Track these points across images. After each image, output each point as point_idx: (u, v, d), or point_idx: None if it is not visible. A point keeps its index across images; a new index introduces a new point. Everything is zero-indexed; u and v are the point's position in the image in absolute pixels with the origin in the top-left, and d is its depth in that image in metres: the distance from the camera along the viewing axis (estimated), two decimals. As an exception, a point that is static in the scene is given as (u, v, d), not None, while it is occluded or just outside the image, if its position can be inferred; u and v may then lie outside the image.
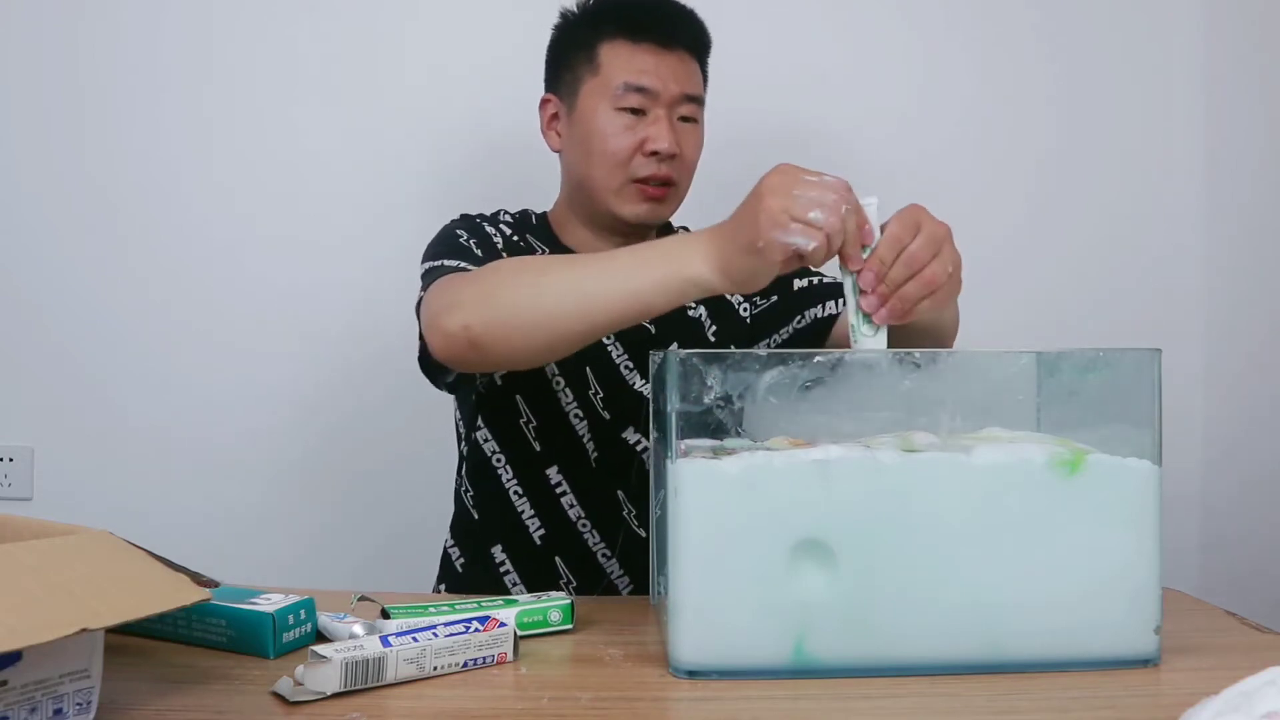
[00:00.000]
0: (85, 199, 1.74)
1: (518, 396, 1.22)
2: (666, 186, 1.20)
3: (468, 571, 1.26)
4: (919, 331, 0.96)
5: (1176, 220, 1.78)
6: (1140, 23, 1.78)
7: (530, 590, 1.14)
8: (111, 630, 0.63)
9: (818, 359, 0.79)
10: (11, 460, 1.75)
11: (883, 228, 0.85)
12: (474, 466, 1.27)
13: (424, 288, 1.10)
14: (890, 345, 0.85)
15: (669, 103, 1.19)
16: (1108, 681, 0.76)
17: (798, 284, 1.26)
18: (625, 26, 1.19)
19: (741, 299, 1.30)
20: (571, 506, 1.22)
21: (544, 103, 1.27)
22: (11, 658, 0.59)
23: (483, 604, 0.87)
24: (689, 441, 0.77)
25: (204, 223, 1.74)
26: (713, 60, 1.26)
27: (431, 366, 1.13)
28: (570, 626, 0.88)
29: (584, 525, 1.22)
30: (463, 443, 1.30)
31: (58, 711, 0.62)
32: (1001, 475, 0.77)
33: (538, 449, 1.22)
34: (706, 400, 0.76)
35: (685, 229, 1.35)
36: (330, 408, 1.75)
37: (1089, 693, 0.74)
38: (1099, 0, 1.78)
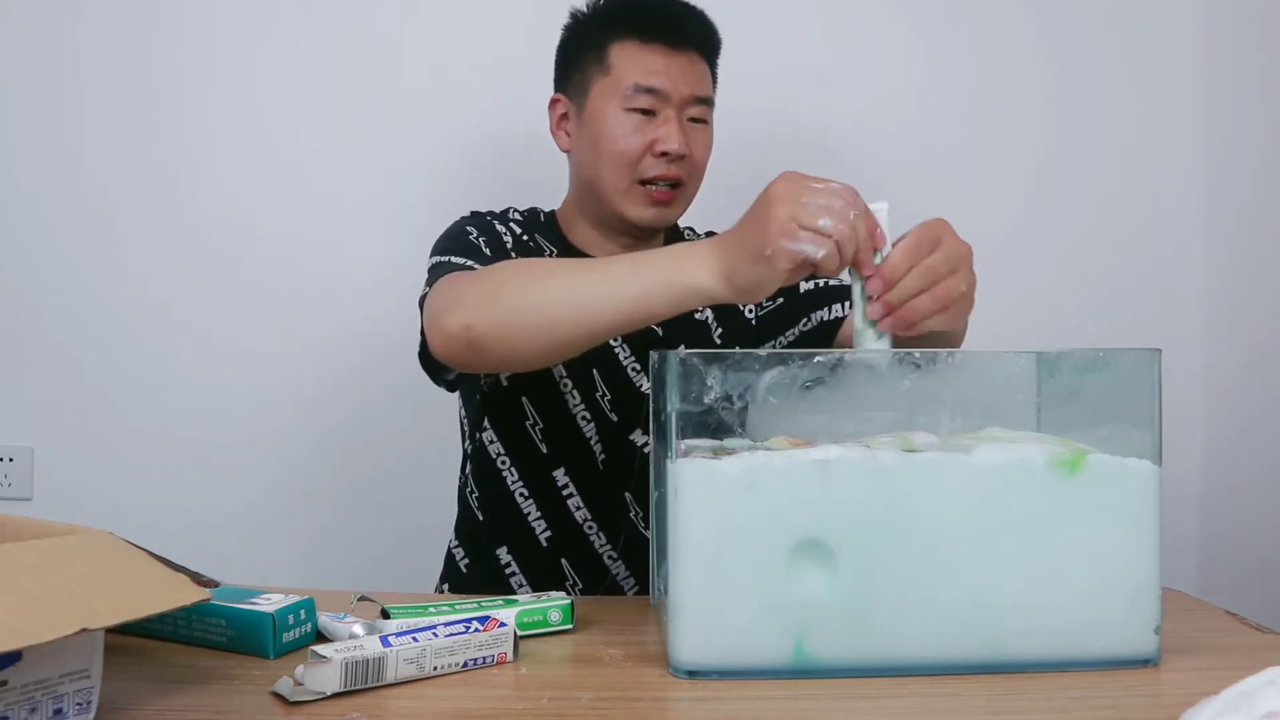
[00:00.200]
0: (85, 199, 1.74)
1: (524, 398, 1.22)
2: (675, 189, 1.20)
3: (472, 572, 1.26)
4: (925, 342, 0.96)
5: (1176, 220, 1.79)
6: (1140, 23, 1.78)
7: (536, 591, 1.14)
8: (111, 630, 0.63)
9: (818, 359, 0.78)
10: (11, 460, 1.75)
11: (901, 237, 0.84)
12: (479, 467, 1.26)
13: (429, 282, 1.09)
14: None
15: (679, 104, 1.19)
16: (1108, 681, 0.76)
17: (804, 286, 1.26)
18: (636, 27, 1.19)
19: None
20: (578, 508, 1.22)
21: (553, 103, 1.27)
22: (11, 658, 0.59)
23: (483, 604, 0.87)
24: (689, 441, 0.77)
25: (204, 223, 1.74)
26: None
27: (432, 363, 1.12)
28: (570, 626, 0.88)
29: (590, 527, 1.22)
30: (466, 440, 1.30)
31: (58, 711, 0.62)
32: (1001, 475, 0.77)
33: (544, 451, 1.22)
34: (707, 400, 0.76)
35: (691, 230, 1.35)
36: (331, 408, 1.75)
37: (1089, 693, 0.74)
38: (1099, 0, 1.78)
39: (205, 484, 1.73)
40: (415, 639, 0.75)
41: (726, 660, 0.76)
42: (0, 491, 1.74)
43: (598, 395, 1.21)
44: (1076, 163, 1.78)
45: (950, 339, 1.05)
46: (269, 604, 0.81)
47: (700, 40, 1.22)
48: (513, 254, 1.19)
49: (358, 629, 0.82)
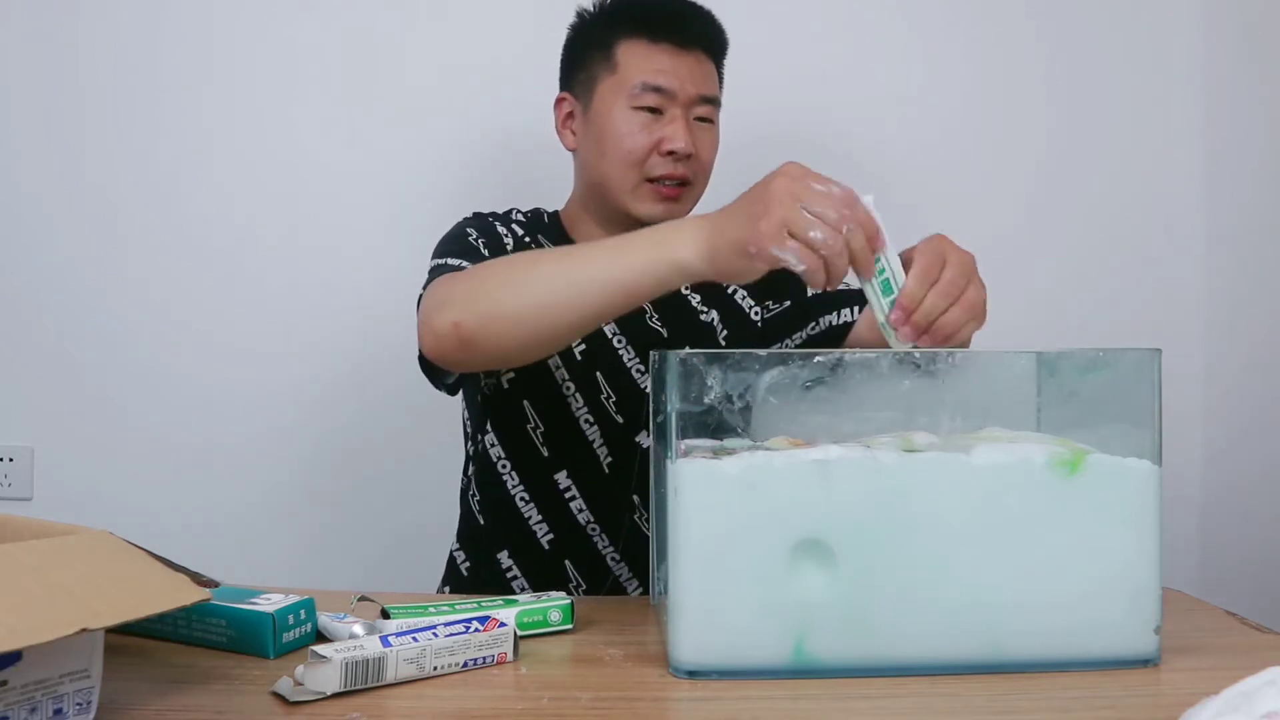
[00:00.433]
0: (85, 199, 1.74)
1: (525, 402, 1.21)
2: (682, 186, 1.20)
3: (473, 576, 1.26)
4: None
5: (1176, 220, 1.78)
6: (1140, 23, 1.78)
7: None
8: (111, 630, 0.63)
9: (818, 359, 0.78)
10: (11, 460, 1.75)
11: (906, 258, 0.85)
12: (481, 471, 1.26)
13: (426, 284, 1.09)
14: None
15: (686, 103, 1.19)
16: (1108, 681, 0.76)
17: (811, 290, 1.26)
18: (643, 26, 1.19)
19: (754, 303, 1.30)
20: (580, 511, 1.21)
21: (559, 101, 1.26)
22: (11, 658, 0.59)
23: (483, 604, 0.87)
24: (689, 441, 0.77)
25: (204, 223, 1.74)
26: (713, 60, 1.26)
27: (432, 367, 1.12)
28: (570, 626, 0.88)
29: (593, 529, 1.21)
30: (469, 444, 1.30)
31: (58, 711, 0.62)
32: (1001, 475, 0.77)
33: (545, 454, 1.21)
34: (707, 400, 0.76)
35: None
36: (331, 409, 1.75)
37: (1089, 693, 0.74)
38: (1099, 0, 1.78)
39: (205, 484, 1.73)
40: (415, 639, 0.75)
41: (726, 660, 0.76)
42: (0, 491, 1.74)
43: (602, 397, 1.21)
44: (1076, 163, 1.78)
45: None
46: (269, 604, 0.81)
47: (708, 40, 1.22)
48: None
49: (358, 629, 0.82)
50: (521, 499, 1.22)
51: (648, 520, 1.20)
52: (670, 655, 0.78)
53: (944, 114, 1.77)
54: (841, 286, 1.24)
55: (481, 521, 1.26)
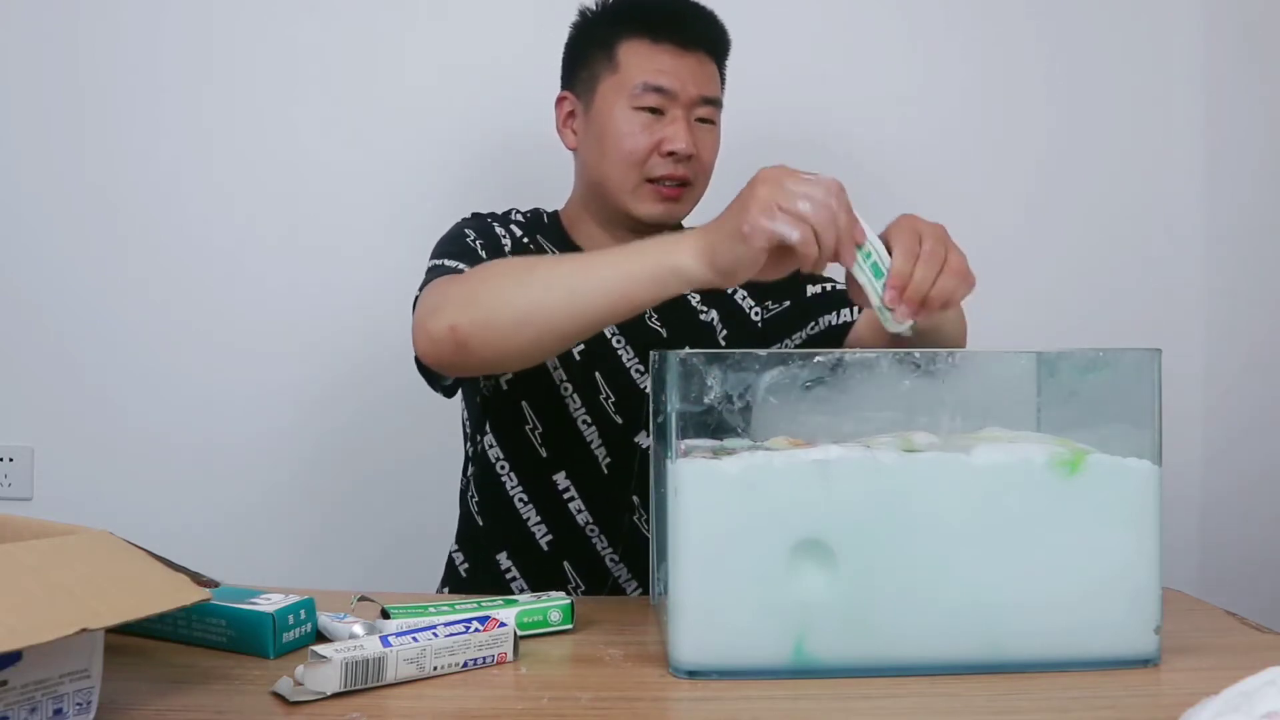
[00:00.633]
0: (85, 199, 1.74)
1: (524, 403, 1.21)
2: (683, 187, 1.20)
3: (472, 577, 1.26)
4: (928, 339, 0.97)
5: (1176, 220, 1.78)
6: (1140, 23, 1.78)
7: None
8: (111, 630, 0.63)
9: (818, 359, 0.78)
10: (11, 460, 1.75)
11: (884, 241, 0.87)
12: (480, 472, 1.26)
13: (422, 286, 1.09)
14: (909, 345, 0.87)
15: (687, 104, 1.19)
16: (1108, 681, 0.76)
17: (810, 290, 1.26)
18: (645, 26, 1.19)
19: (754, 303, 1.30)
20: (580, 512, 1.21)
21: (560, 100, 1.26)
22: (11, 658, 0.59)
23: (483, 604, 0.87)
24: (689, 441, 0.77)
25: (204, 223, 1.74)
26: (713, 60, 1.26)
27: (429, 369, 1.12)
28: (570, 626, 0.88)
29: (592, 530, 1.21)
30: (469, 444, 1.30)
31: (58, 711, 0.62)
32: (1001, 475, 0.77)
33: (544, 455, 1.21)
34: (707, 400, 0.76)
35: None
36: (331, 409, 1.74)
37: (1089, 693, 0.74)
38: (1099, 0, 1.78)
39: (205, 484, 1.73)
40: (415, 639, 0.75)
41: (726, 660, 0.76)
42: (0, 491, 1.74)
43: (601, 398, 1.21)
44: (1076, 163, 1.78)
45: (953, 337, 1.06)
46: (269, 604, 0.81)
47: (710, 41, 1.22)
48: (509, 257, 1.19)
49: (358, 629, 0.82)
50: (520, 500, 1.22)
51: (647, 521, 1.20)
52: (670, 655, 0.78)
53: (944, 114, 1.77)
54: (841, 287, 1.25)
55: (480, 522, 1.26)
